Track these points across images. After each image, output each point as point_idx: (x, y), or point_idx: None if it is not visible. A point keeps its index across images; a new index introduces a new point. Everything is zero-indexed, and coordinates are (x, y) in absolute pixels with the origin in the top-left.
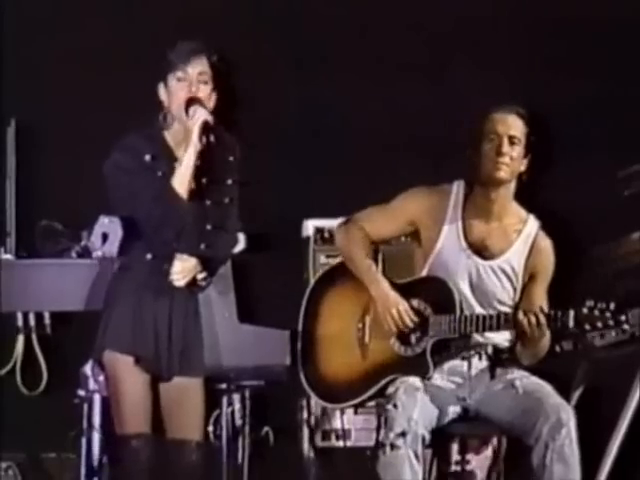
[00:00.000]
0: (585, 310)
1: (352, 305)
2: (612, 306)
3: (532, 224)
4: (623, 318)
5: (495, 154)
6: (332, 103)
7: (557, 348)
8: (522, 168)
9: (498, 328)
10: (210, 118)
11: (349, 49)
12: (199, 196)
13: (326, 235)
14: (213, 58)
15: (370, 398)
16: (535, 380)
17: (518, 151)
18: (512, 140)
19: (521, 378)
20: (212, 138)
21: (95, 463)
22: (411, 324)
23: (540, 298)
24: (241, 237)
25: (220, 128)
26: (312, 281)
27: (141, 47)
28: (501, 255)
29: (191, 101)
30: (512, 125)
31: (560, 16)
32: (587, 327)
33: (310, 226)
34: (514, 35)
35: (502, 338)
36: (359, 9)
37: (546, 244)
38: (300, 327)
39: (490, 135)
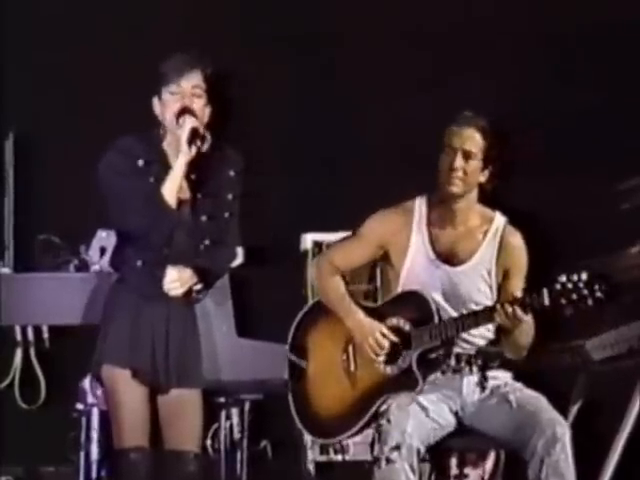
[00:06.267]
0: (558, 286)
1: (335, 338)
2: (584, 276)
3: (498, 221)
4: (597, 287)
5: (448, 168)
6: (333, 116)
7: (554, 361)
8: (482, 179)
9: (476, 324)
10: (198, 125)
11: (349, 62)
12: (196, 211)
13: (324, 249)
14: (207, 71)
15: (367, 424)
16: (529, 393)
17: (474, 165)
18: (467, 154)
19: (514, 391)
20: (203, 146)
21: (94, 476)
22: (389, 346)
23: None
24: (239, 251)
25: (221, 143)
26: (297, 318)
27: (140, 61)
28: (470, 258)
29: (182, 111)
30: (467, 139)
31: (561, 28)
32: (563, 302)
33: (308, 240)
34: (514, 47)
35: (486, 339)
36: (358, 20)
37: (515, 238)
38: (289, 367)
39: (446, 148)
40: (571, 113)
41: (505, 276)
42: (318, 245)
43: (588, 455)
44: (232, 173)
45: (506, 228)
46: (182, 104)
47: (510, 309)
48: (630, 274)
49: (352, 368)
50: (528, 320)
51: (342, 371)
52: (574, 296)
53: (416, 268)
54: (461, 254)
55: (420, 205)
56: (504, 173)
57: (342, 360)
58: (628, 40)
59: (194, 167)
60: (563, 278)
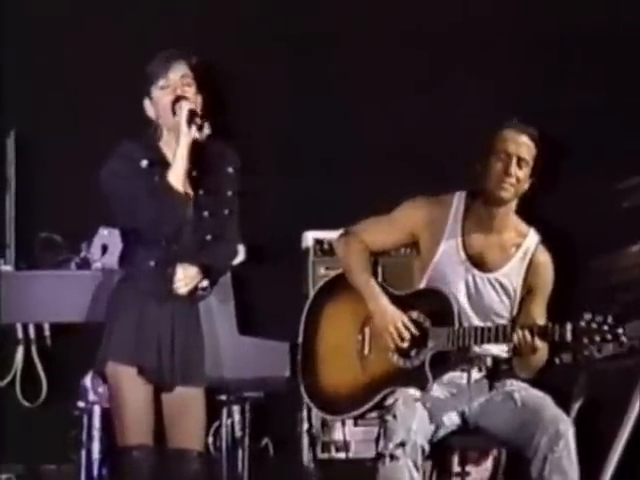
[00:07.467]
0: (583, 324)
1: (352, 316)
2: (610, 319)
3: (532, 239)
4: (620, 331)
5: (502, 173)
6: (332, 115)
7: (557, 360)
8: (526, 187)
9: (496, 341)
10: (195, 107)
11: (348, 62)
12: (198, 207)
13: (325, 247)
14: (192, 61)
15: (369, 410)
16: (534, 392)
17: (525, 172)
18: (521, 161)
19: (520, 390)
20: (202, 132)
21: (95, 474)
22: (409, 339)
23: (538, 313)
24: (241, 249)
25: (219, 141)
26: (312, 291)
27: (139, 61)
28: (499, 269)
29: (176, 100)
30: (523, 146)
31: (559, 28)
32: (585, 341)
33: (309, 238)
34: (513, 48)
35: (500, 350)
36: (357, 20)
37: (545, 259)
38: (300, 338)
39: (500, 154)
40: (569, 113)
41: (529, 292)
42: (319, 243)
43: (589, 453)
44: (231, 170)
45: (538, 247)
46: (174, 95)
47: (529, 338)
48: (630, 273)
49: (366, 351)
50: (543, 346)
51: (355, 352)
52: (597, 338)
53: (444, 266)
54: (490, 263)
55: (459, 202)
56: (541, 182)
57: (357, 340)
58: (626, 40)
59: (194, 164)
60: (588, 316)
